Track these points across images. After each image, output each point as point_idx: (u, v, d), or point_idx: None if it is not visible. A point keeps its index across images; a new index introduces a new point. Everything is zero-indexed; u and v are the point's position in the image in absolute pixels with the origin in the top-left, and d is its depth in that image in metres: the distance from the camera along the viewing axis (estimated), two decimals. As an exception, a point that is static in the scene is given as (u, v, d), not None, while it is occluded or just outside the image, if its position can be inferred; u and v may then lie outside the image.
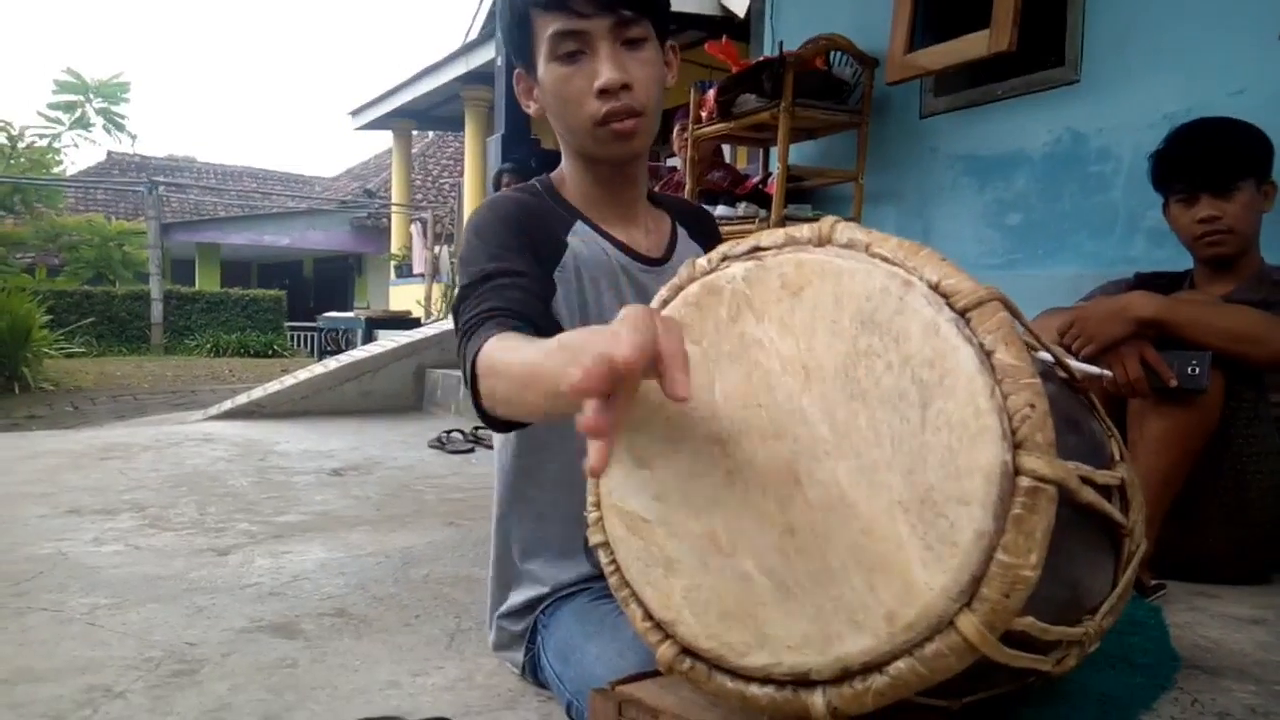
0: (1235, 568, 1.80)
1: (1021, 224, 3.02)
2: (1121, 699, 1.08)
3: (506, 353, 0.85)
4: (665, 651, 0.77)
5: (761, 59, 3.55)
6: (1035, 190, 2.97)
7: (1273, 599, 1.73)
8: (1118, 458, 0.91)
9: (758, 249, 0.76)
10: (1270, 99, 2.22)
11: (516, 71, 1.17)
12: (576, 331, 0.75)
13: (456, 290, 1.07)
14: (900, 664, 0.67)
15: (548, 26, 1.06)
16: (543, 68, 1.10)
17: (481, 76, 9.57)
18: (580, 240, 1.16)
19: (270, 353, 14.51)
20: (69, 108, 14.77)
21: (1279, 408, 1.77)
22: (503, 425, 0.95)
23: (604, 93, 1.06)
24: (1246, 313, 1.67)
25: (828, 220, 0.74)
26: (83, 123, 14.76)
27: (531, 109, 1.18)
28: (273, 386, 5.14)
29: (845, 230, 0.73)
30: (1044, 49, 2.96)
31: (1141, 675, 1.16)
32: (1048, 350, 0.84)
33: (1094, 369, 0.95)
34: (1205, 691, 1.27)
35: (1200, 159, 1.91)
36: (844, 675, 0.69)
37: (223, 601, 1.75)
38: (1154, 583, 1.67)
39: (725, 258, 0.78)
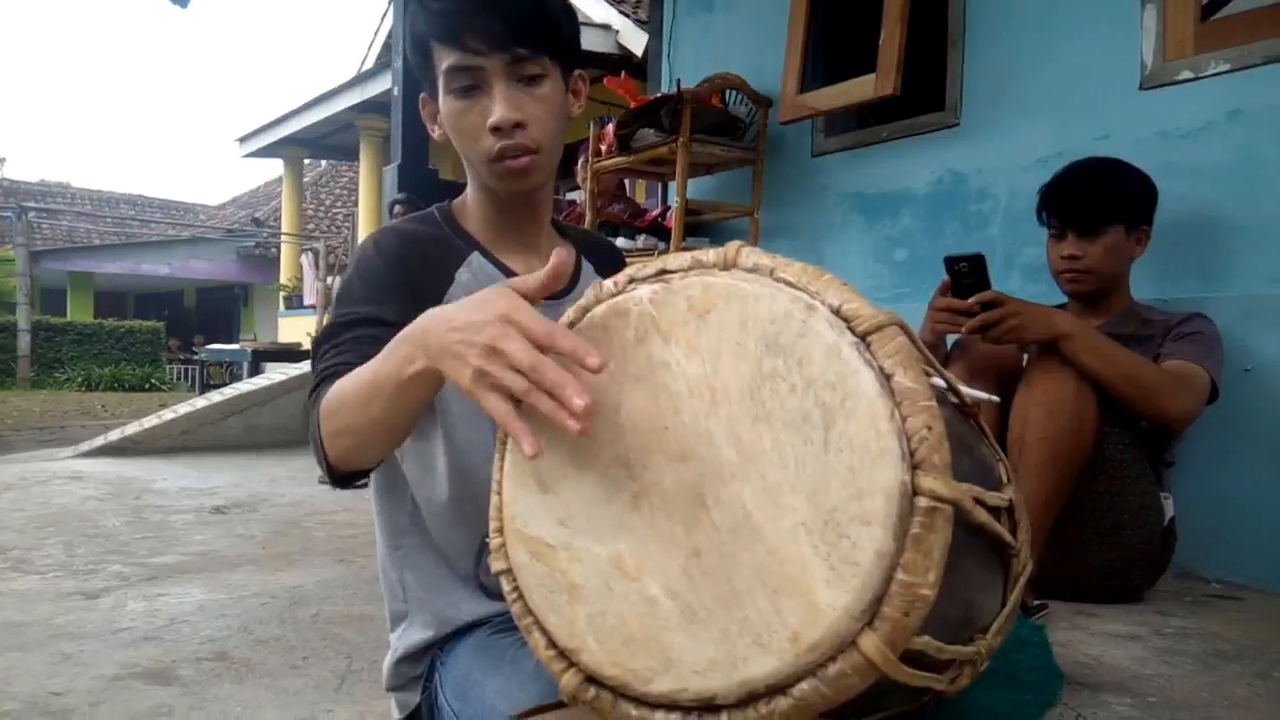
0: (1111, 587, 1.89)
1: (908, 259, 3.14)
2: (1010, 715, 1.11)
3: (344, 381, 0.89)
4: (569, 680, 0.75)
5: (660, 95, 3.62)
6: (919, 227, 3.10)
7: (1146, 616, 1.82)
8: (1006, 480, 0.94)
9: (664, 272, 0.76)
10: (1132, 144, 2.37)
11: (423, 96, 1.16)
12: (411, 325, 0.81)
13: (323, 326, 1.05)
14: (804, 685, 0.67)
15: (444, 60, 1.06)
16: (441, 99, 1.10)
17: (377, 106, 9.43)
18: (471, 274, 1.14)
19: (148, 386, 13.82)
20: (-72, 128, 13.92)
21: (1149, 434, 1.87)
22: (346, 479, 0.95)
23: (496, 130, 1.06)
24: (1149, 366, 1.78)
25: (733, 245, 0.75)
26: (-55, 145, 13.93)
27: (436, 134, 1.17)
28: (149, 421, 4.89)
29: (750, 255, 0.74)
30: (926, 94, 3.10)
31: (1028, 692, 1.20)
32: (941, 375, 0.86)
33: (983, 394, 0.99)
34: (1087, 706, 1.33)
35: (1071, 200, 2.02)
36: (749, 699, 0.69)
37: (92, 648, 1.65)
38: (1036, 603, 1.74)
39: (632, 280, 0.78)
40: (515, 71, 1.06)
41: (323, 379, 0.97)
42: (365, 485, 1.18)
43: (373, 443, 0.89)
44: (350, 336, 1.01)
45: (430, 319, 0.79)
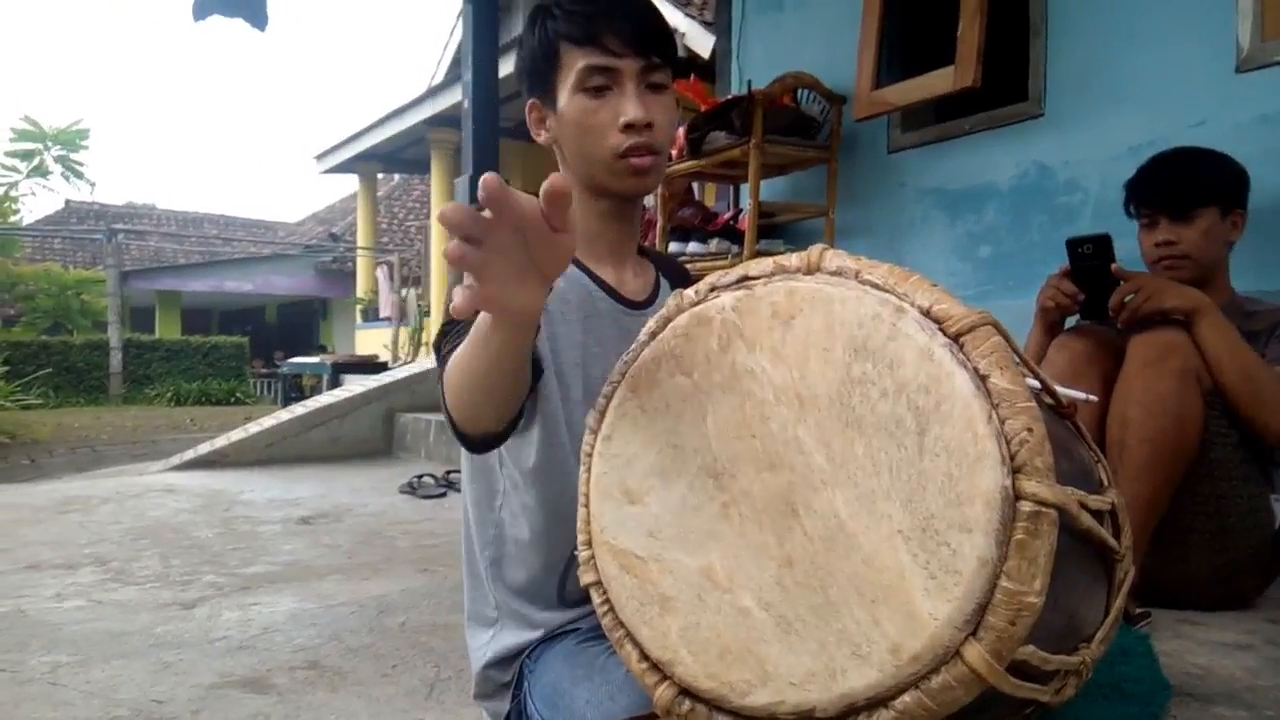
0: (1218, 594, 1.80)
1: (992, 256, 3.06)
2: (1118, 729, 1.06)
3: (457, 351, 0.91)
4: (663, 694, 0.74)
5: (731, 97, 3.59)
6: (1004, 223, 3.01)
7: (1257, 624, 1.73)
8: (1106, 483, 0.91)
9: (746, 278, 0.75)
10: (1230, 130, 2.27)
11: (531, 101, 1.20)
12: None
13: (440, 325, 1.08)
14: (906, 698, 0.65)
15: (578, 60, 1.11)
16: (566, 99, 1.13)
17: (448, 119, 9.60)
18: (563, 278, 1.15)
19: (233, 400, 14.29)
20: (26, 156, 14.51)
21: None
22: (480, 444, 0.99)
23: (629, 127, 1.10)
24: (1266, 369, 1.70)
25: (816, 248, 0.73)
26: (40, 171, 14.50)
27: (542, 138, 1.21)
28: (236, 435, 5.04)
29: (834, 258, 0.72)
30: (1008, 84, 3.01)
31: (1135, 705, 1.15)
32: (1036, 376, 0.83)
33: (1080, 394, 0.95)
34: (1198, 718, 1.26)
35: (1161, 184, 1.94)
36: (849, 711, 0.67)
37: (190, 656, 1.70)
38: (1139, 611, 1.67)
39: (714, 288, 0.77)
40: (645, 77, 1.12)
41: (445, 360, 1.01)
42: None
43: (480, 399, 0.91)
44: (467, 323, 1.04)
45: None
